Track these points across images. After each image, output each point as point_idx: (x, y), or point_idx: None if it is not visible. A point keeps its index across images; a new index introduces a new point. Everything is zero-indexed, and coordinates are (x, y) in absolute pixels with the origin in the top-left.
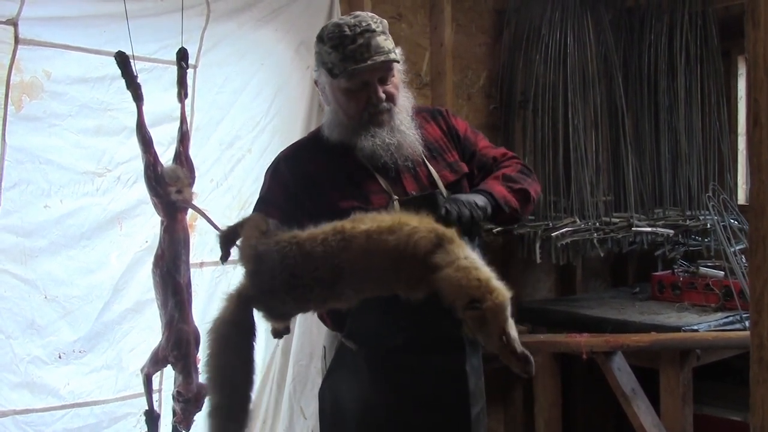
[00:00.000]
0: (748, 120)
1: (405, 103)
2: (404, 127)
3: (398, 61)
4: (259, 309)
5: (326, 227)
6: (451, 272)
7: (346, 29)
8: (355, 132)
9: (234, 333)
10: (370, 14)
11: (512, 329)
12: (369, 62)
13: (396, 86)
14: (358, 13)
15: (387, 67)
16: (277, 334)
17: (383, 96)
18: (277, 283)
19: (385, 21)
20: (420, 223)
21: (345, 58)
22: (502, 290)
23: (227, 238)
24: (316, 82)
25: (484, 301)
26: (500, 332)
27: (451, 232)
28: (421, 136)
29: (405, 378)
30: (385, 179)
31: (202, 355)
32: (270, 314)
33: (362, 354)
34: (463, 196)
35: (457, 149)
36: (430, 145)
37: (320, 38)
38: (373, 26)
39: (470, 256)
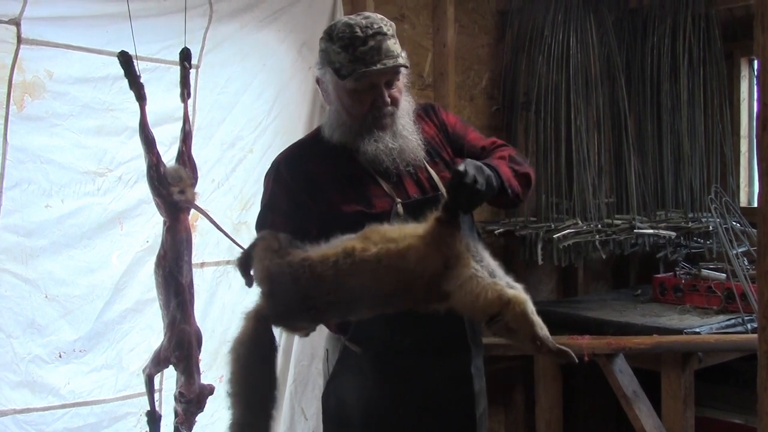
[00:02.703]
0: (752, 122)
1: (407, 106)
2: (406, 132)
3: (407, 66)
4: (277, 326)
5: (337, 248)
6: (462, 296)
7: (358, 30)
8: (357, 134)
9: (254, 352)
10: (379, 16)
11: (541, 329)
12: (379, 66)
13: (400, 90)
14: (368, 14)
15: (395, 71)
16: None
17: (389, 100)
18: (292, 304)
19: (394, 24)
20: (427, 246)
21: (355, 59)
22: (518, 297)
23: (244, 263)
24: (318, 80)
25: (503, 315)
26: (531, 336)
27: (457, 251)
28: (422, 138)
29: (410, 381)
30: (387, 183)
31: (225, 373)
32: (289, 330)
33: (367, 357)
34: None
35: (449, 144)
36: (428, 145)
37: (329, 36)
38: (385, 29)
39: (477, 272)
